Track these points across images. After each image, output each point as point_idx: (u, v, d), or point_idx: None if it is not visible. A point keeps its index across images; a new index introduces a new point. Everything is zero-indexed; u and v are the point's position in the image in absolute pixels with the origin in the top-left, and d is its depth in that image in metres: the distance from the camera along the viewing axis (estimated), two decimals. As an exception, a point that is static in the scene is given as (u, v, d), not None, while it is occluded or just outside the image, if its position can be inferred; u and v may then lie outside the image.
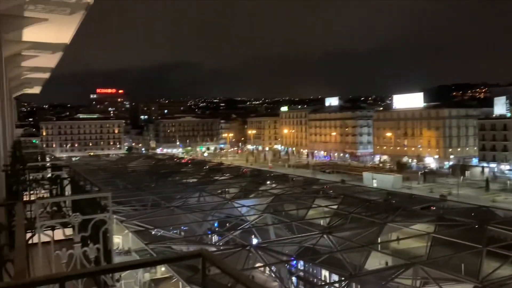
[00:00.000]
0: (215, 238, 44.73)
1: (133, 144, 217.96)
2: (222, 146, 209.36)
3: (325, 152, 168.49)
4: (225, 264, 2.39)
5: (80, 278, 4.01)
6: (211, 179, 66.14)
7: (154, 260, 3.02)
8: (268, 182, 64.09)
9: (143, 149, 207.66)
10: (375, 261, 33.52)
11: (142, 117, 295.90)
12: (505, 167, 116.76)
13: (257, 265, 30.98)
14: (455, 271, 29.37)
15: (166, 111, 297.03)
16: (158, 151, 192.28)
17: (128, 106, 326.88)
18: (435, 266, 26.68)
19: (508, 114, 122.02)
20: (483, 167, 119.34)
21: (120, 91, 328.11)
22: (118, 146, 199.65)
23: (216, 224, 46.48)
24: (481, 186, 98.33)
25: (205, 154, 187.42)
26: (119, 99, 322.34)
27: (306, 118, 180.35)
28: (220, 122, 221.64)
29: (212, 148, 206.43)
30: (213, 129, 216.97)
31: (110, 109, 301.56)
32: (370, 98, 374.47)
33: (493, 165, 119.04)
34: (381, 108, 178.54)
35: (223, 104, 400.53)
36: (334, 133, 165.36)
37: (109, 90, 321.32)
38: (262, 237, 36.54)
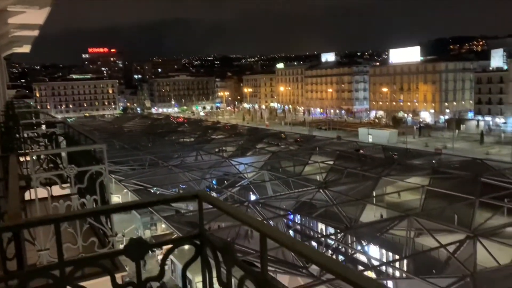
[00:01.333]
0: (213, 195, 45.33)
1: (128, 104, 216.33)
2: (218, 105, 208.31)
3: (322, 109, 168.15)
4: (223, 203, 2.39)
5: (75, 219, 4.04)
6: (208, 138, 66.26)
7: (151, 200, 3.01)
8: (265, 140, 64.31)
9: (138, 109, 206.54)
10: (370, 214, 34.30)
11: (135, 76, 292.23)
12: (500, 120, 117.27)
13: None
14: (448, 222, 30.13)
15: (160, 70, 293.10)
16: (153, 110, 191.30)
17: (121, 65, 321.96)
18: (429, 217, 27.30)
19: (505, 67, 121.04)
20: (478, 120, 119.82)
21: (113, 50, 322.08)
22: (113, 106, 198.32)
23: (214, 182, 47.01)
24: (476, 139, 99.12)
25: (201, 114, 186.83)
26: (112, 59, 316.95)
27: (302, 75, 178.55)
28: (215, 81, 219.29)
29: (208, 107, 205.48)
30: (209, 87, 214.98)
31: (103, 68, 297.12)
32: (366, 53, 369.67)
33: (488, 118, 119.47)
34: (378, 63, 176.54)
35: (218, 62, 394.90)
36: (330, 90, 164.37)
37: (102, 50, 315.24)
38: (259, 194, 37.09)
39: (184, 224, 26.50)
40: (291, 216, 39.19)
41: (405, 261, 27.28)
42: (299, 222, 42.04)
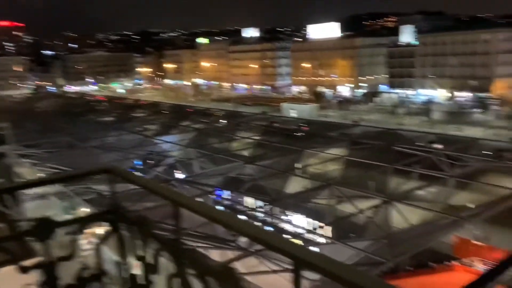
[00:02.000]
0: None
1: (39, 83, 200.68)
2: (138, 82, 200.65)
3: (247, 85, 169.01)
4: (134, 176, 2.29)
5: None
6: (129, 117, 63.84)
7: (59, 177, 2.80)
8: (191, 117, 63.42)
9: (52, 88, 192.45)
10: (296, 185, 35.53)
11: (46, 52, 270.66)
12: (410, 92, 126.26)
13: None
14: (366, 188, 32.21)
15: (74, 46, 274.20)
16: (67, 89, 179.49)
17: (30, 40, 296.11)
18: (348, 185, 28.95)
19: (415, 42, 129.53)
20: (391, 93, 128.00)
21: (18, 24, 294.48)
22: (23, 85, 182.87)
23: (138, 162, 45.65)
24: (389, 111, 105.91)
25: (121, 91, 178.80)
26: (17, 33, 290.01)
27: (226, 50, 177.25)
28: (134, 56, 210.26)
29: (128, 84, 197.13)
30: (127, 64, 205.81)
31: (6, 44, 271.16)
32: (286, 29, 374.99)
33: (400, 91, 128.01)
34: (300, 39, 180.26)
35: (137, 37, 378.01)
36: (254, 66, 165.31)
37: (3, 23, 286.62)
38: (187, 172, 36.74)
39: (107, 206, 25.54)
40: (220, 192, 39.41)
41: (328, 227, 28.83)
42: (228, 197, 42.46)
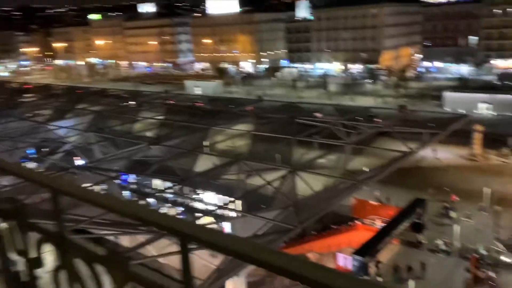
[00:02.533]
0: (33, 165, 40.58)
1: None
2: (24, 63, 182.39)
3: (147, 63, 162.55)
4: (6, 164, 2.04)
5: None
6: (17, 102, 57.98)
7: None
8: (87, 99, 59.44)
9: None
10: (205, 163, 35.46)
11: None
12: (308, 66, 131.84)
13: (85, 185, 29.56)
14: (272, 161, 33.31)
15: None
16: None
17: None
18: (256, 159, 29.67)
19: (311, 17, 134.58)
20: (291, 67, 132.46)
21: None
22: None
23: (31, 151, 41.92)
24: (290, 85, 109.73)
25: (4, 74, 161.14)
26: None
27: (121, 27, 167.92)
28: (16, 35, 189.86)
29: (11, 66, 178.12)
30: (9, 43, 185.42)
31: None
32: (184, 4, 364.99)
33: (299, 65, 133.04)
34: (200, 15, 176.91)
35: (18, 13, 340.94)
36: (153, 42, 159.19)
37: None
38: (87, 158, 34.62)
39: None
40: (125, 176, 37.91)
41: (238, 201, 29.43)
42: (135, 181, 41.06)
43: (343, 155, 30.26)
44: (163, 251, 19.25)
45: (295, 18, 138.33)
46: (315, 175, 28.15)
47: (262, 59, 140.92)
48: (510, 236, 31.73)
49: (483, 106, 69.91)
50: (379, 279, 27.95)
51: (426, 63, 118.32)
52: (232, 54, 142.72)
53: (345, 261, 29.28)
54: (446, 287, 27.17)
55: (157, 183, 38.96)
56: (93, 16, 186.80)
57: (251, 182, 29.79)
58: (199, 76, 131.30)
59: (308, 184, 25.56)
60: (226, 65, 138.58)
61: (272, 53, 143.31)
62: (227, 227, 28.38)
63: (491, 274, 27.63)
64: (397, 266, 29.27)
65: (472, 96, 72.75)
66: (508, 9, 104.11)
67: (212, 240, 1.49)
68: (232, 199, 26.88)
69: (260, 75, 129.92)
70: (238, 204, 30.35)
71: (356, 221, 34.23)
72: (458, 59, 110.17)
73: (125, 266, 1.63)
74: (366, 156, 44.02)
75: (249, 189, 27.67)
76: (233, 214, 26.56)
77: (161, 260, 29.35)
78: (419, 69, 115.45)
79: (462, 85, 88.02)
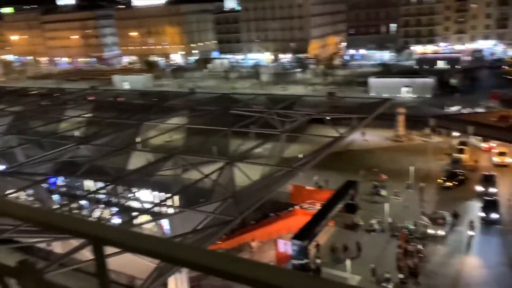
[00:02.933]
0: None
1: None
2: None
3: (69, 58, 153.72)
4: None
5: None
6: None
7: None
8: (4, 99, 55.06)
9: None
10: (138, 160, 34.41)
11: None
12: (239, 57, 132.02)
13: (8, 192, 27.49)
14: (209, 153, 33.08)
15: None
16: None
17: None
18: (192, 153, 29.27)
19: (239, 8, 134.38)
20: (222, 59, 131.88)
21: None
22: None
23: None
24: (222, 76, 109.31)
25: None
26: None
27: (39, 21, 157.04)
28: None
29: None
30: None
31: None
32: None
33: (230, 56, 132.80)
34: (124, 7, 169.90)
35: None
36: (75, 36, 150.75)
37: None
38: (9, 163, 32.15)
39: None
40: (53, 179, 35.76)
41: (176, 197, 28.92)
42: (64, 184, 38.90)
43: (279, 143, 30.78)
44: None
45: (224, 9, 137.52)
46: (253, 165, 28.37)
47: (192, 51, 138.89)
48: (434, 210, 34.20)
49: (405, 90, 74.32)
50: (318, 261, 28.94)
51: (351, 51, 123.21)
52: (161, 47, 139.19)
53: (286, 247, 29.95)
54: (380, 262, 28.76)
55: (89, 184, 37.20)
56: (5, 10, 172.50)
57: (188, 177, 29.40)
58: (127, 70, 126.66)
59: (246, 175, 25.69)
60: (155, 58, 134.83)
61: (202, 44, 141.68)
62: (165, 224, 27.87)
63: (419, 246, 29.65)
64: (334, 247, 30.48)
65: (395, 81, 77.04)
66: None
67: (127, 242, 1.40)
68: (169, 195, 26.34)
69: (191, 67, 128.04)
70: (176, 200, 29.86)
71: (294, 207, 35.14)
72: (381, 46, 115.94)
73: (38, 277, 1.48)
74: (300, 143, 45.13)
75: (186, 184, 27.27)
76: (171, 210, 26.07)
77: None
78: (345, 57, 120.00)
79: (385, 70, 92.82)
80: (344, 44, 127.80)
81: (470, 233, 31.12)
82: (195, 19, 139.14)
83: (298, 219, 32.12)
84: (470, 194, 37.30)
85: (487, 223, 31.75)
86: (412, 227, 32.13)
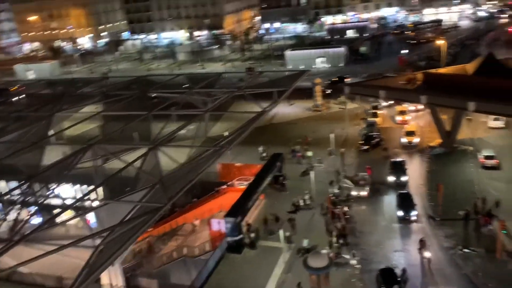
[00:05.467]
0: None
1: None
2: None
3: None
4: None
5: None
6: None
7: None
8: None
9: None
10: (54, 155, 32.11)
11: None
12: (153, 37, 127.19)
13: None
14: (130, 140, 31.73)
15: None
16: None
17: None
18: (112, 141, 27.87)
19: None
20: (134, 39, 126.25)
21: None
22: None
23: None
24: (136, 58, 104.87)
25: None
26: None
27: None
28: None
29: None
30: None
31: None
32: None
33: (143, 36, 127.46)
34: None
35: None
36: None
37: None
38: None
39: None
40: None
41: (100, 189, 27.51)
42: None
43: (203, 123, 30.34)
44: (22, 259, 17.18)
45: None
46: (178, 148, 27.79)
47: (101, 34, 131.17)
48: (356, 173, 36.17)
49: (319, 60, 76.81)
50: (252, 235, 29.50)
51: (266, 25, 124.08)
52: (66, 30, 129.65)
53: (219, 225, 30.10)
54: (310, 227, 30.03)
55: (1, 185, 34.20)
56: None
57: (111, 167, 28.04)
58: (30, 59, 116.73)
59: (172, 158, 25.10)
60: (60, 43, 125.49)
61: (112, 25, 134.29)
62: (91, 218, 26.52)
63: (345, 209, 31.34)
64: (266, 219, 31.19)
65: (309, 52, 79.26)
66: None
67: None
68: (92, 187, 24.98)
69: (101, 50, 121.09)
70: (100, 192, 28.46)
71: (225, 185, 35.24)
72: (293, 19, 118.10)
73: None
74: (225, 121, 44.99)
75: (110, 174, 26.02)
76: (96, 203, 24.81)
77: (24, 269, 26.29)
78: (260, 31, 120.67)
79: (299, 43, 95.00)
80: (258, 18, 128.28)
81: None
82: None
83: (229, 197, 32.32)
84: (386, 154, 39.99)
85: (405, 221, 29.31)
86: (336, 191, 33.79)
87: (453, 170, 36.13)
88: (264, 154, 41.22)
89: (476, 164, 36.21)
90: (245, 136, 26.37)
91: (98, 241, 18.43)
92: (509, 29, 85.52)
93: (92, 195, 24.28)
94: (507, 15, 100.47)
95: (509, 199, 30.27)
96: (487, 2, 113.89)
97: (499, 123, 42.85)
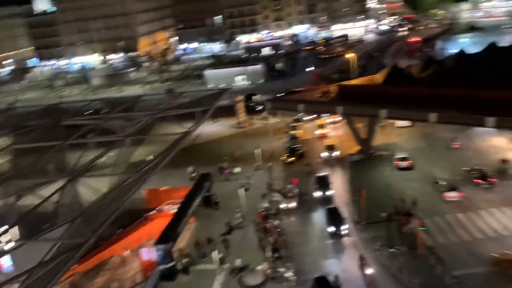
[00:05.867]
0: None
1: None
2: None
3: None
4: None
5: None
6: None
7: None
8: None
9: None
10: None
11: None
12: (63, 62, 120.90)
13: None
14: (45, 173, 29.51)
15: None
16: None
17: None
18: (24, 176, 25.77)
19: (53, 9, 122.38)
20: (42, 66, 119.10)
21: None
22: None
23: None
24: (46, 86, 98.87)
25: None
26: None
27: None
28: None
29: None
30: None
31: None
32: None
33: (52, 62, 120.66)
34: None
35: None
36: None
37: None
38: None
39: None
40: None
41: (14, 229, 25.20)
42: None
43: (123, 149, 29.12)
44: None
45: (34, 12, 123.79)
46: (98, 177, 26.35)
47: (3, 62, 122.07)
48: (283, 186, 36.86)
49: (239, 78, 78.01)
50: (184, 260, 28.69)
51: (183, 45, 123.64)
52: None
53: (150, 254, 28.85)
54: (244, 245, 29.94)
55: None
56: None
57: (26, 203, 25.84)
58: None
59: (92, 189, 23.73)
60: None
61: (17, 52, 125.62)
62: (5, 261, 24.17)
63: (276, 222, 31.71)
64: (197, 242, 30.53)
65: (228, 70, 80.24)
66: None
67: None
68: (5, 228, 22.78)
69: (5, 79, 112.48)
70: (15, 232, 26.06)
71: (153, 211, 33.97)
72: (210, 39, 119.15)
73: None
74: (147, 145, 43.72)
75: (24, 212, 23.93)
76: (11, 245, 22.65)
77: None
78: (177, 52, 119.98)
79: (218, 62, 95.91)
80: (175, 39, 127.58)
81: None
82: (3, 25, 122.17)
83: (158, 223, 31.21)
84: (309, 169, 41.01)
85: (336, 236, 29.49)
86: (266, 205, 34.13)
87: (372, 175, 38.27)
88: (194, 175, 40.68)
89: (392, 167, 38.72)
90: (170, 158, 25.74)
91: (15, 287, 16.76)
92: (408, 40, 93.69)
93: (6, 237, 22.13)
94: (406, 28, 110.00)
95: (424, 198, 32.68)
96: (388, 17, 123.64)
97: (405, 122, 46.21)
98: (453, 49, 68.75)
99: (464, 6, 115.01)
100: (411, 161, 38.42)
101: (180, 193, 34.55)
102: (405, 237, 28.30)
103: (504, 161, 36.06)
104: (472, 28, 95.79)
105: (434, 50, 78.74)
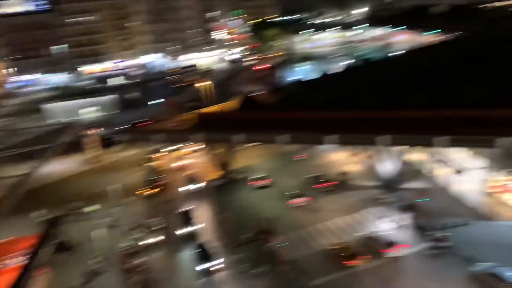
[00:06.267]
0: None
1: None
2: None
3: None
4: None
5: None
6: None
7: None
8: None
9: None
10: None
11: None
12: None
13: None
14: None
15: None
16: None
17: None
18: None
19: None
20: None
21: None
22: None
23: None
24: None
25: None
26: None
27: None
28: None
29: None
30: None
31: None
32: None
33: None
34: None
35: None
36: None
37: None
38: None
39: None
40: None
41: None
42: None
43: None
44: None
45: None
46: None
47: None
48: (147, 220, 35.21)
49: (90, 110, 72.94)
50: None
51: (23, 77, 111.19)
52: None
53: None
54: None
55: None
56: None
57: None
58: None
59: None
60: None
61: None
62: None
63: (143, 259, 29.91)
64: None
65: (75, 103, 74.24)
66: (78, 18, 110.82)
67: None
68: None
69: None
70: None
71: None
72: (52, 69, 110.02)
73: None
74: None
75: None
76: None
77: None
78: (10, 85, 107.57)
79: (62, 93, 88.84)
80: (10, 70, 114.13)
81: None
82: None
83: (3, 280, 26.91)
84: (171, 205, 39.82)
85: (206, 275, 28.19)
86: (127, 244, 32.10)
87: (234, 197, 39.24)
88: (42, 219, 36.03)
89: (251, 187, 40.31)
90: (11, 205, 22.63)
91: None
92: (255, 68, 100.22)
93: None
94: (254, 57, 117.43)
95: (282, 214, 34.63)
96: (239, 47, 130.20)
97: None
98: (292, 77, 76.18)
99: (298, 38, 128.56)
100: (268, 180, 40.63)
101: (26, 243, 30.42)
102: (268, 254, 29.39)
103: (344, 173, 40.82)
104: (306, 58, 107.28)
105: (278, 77, 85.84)
